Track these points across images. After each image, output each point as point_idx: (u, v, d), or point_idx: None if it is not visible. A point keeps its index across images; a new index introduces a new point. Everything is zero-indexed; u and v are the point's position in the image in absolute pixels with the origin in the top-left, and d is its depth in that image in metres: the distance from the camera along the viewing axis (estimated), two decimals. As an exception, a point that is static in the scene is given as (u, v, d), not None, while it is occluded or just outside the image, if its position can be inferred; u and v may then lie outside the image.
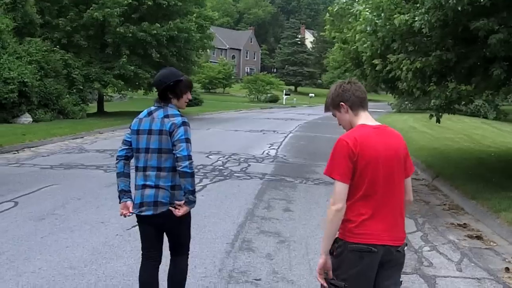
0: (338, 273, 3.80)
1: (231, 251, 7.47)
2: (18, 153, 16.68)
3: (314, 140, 24.87)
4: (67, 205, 9.79)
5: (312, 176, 14.18)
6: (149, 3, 30.91)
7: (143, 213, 4.91)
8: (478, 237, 8.88)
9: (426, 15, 9.68)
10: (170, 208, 4.78)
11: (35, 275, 6.26)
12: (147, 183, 4.88)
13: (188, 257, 5.34)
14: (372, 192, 3.78)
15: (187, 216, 4.97)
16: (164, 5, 31.53)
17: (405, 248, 3.99)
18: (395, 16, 10.26)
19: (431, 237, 8.80)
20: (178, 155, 4.66)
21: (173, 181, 4.82)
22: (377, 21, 10.85)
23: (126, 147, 5.06)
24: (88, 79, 31.36)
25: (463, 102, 13.18)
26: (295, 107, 63.04)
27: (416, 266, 7.26)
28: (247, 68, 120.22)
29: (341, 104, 3.98)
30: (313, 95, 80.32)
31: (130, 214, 5.08)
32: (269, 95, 75.96)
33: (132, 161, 5.09)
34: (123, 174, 5.11)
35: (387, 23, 10.80)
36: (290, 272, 6.78)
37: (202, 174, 13.33)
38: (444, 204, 11.52)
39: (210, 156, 16.82)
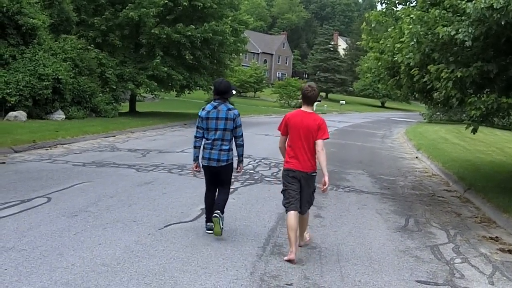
0: (283, 182, 7.81)
1: (262, 255, 7.48)
2: (50, 149, 16.80)
3: (344, 147, 24.78)
4: (99, 203, 9.85)
5: (343, 184, 14.13)
6: (185, 3, 30.89)
7: (210, 165, 8.25)
8: (511, 251, 8.80)
9: (470, 28, 9.60)
10: (237, 170, 8.67)
11: (68, 270, 6.30)
12: (214, 147, 8.19)
13: (229, 189, 8.64)
14: (294, 144, 7.66)
15: (232, 170, 8.47)
16: (199, 7, 31.39)
17: (314, 173, 7.72)
18: (439, 28, 10.17)
19: (463, 249, 8.74)
20: (237, 134, 8.32)
21: (229, 146, 8.24)
22: (421, 33, 10.77)
23: (202, 131, 8.27)
24: (121, 78, 31.39)
25: (500, 115, 13.04)
26: (325, 113, 62.72)
27: (448, 278, 7.22)
28: (279, 73, 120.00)
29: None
30: (344, 102, 79.87)
31: (198, 171, 8.60)
32: (299, 100, 75.35)
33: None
34: (198, 147, 8.37)
35: (429, 32, 10.72)
36: (322, 278, 6.76)
37: (233, 177, 13.30)
38: (476, 217, 11.43)
39: (241, 160, 16.84)
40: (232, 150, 8.27)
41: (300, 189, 7.66)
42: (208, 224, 8.25)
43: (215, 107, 8.20)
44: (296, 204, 7.58)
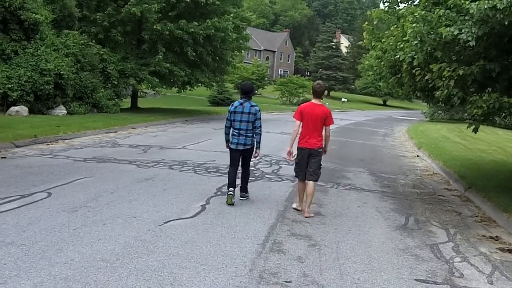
0: (297, 157, 10.35)
1: (261, 252, 7.47)
2: (52, 144, 16.85)
3: (345, 145, 24.75)
4: (99, 198, 9.87)
5: (343, 181, 14.13)
6: (187, 0, 30.97)
7: (238, 148, 10.52)
8: (510, 251, 8.77)
9: (474, 28, 9.57)
10: (254, 155, 10.74)
11: (67, 266, 6.31)
12: (240, 135, 10.48)
13: (249, 167, 11.04)
14: (306, 128, 10.09)
15: (252, 153, 10.70)
16: (202, 3, 31.33)
17: (320, 149, 10.18)
18: (442, 28, 10.13)
19: (463, 248, 8.72)
20: (256, 125, 10.52)
21: (251, 134, 10.54)
22: (424, 32, 10.73)
23: (230, 122, 10.61)
24: (123, 74, 31.38)
25: (502, 114, 12.99)
26: (327, 111, 62.51)
27: (447, 277, 7.20)
28: (281, 70, 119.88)
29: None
30: (345, 100, 79.77)
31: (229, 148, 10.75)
32: (301, 98, 74.98)
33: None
34: (228, 134, 10.72)
35: (431, 32, 10.69)
36: (321, 276, 6.75)
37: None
38: (476, 216, 11.40)
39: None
40: (253, 136, 10.61)
41: (307, 163, 10.17)
42: (229, 189, 10.37)
43: (241, 104, 10.53)
44: (303, 175, 10.26)
